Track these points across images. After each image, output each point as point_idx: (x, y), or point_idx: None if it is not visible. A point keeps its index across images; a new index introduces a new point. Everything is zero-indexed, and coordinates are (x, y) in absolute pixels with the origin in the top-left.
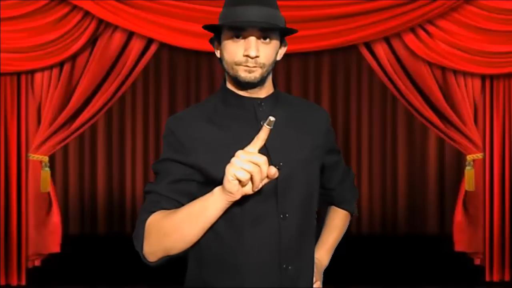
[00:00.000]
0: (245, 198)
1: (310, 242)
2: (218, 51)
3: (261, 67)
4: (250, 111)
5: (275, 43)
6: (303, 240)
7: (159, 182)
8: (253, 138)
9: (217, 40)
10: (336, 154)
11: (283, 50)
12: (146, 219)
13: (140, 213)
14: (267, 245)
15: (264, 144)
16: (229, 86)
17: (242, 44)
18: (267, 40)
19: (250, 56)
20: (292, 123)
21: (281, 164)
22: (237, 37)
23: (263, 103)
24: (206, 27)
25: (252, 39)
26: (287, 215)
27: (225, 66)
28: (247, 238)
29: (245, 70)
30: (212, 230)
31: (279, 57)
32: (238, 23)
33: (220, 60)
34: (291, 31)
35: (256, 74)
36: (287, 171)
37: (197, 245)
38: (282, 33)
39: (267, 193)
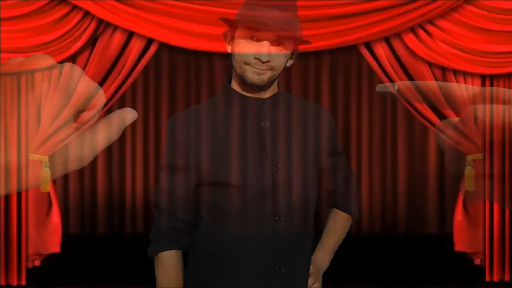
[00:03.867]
0: (241, 199)
1: (305, 244)
2: (230, 46)
3: (271, 70)
4: (252, 110)
5: (288, 50)
6: (297, 242)
7: (169, 199)
8: (252, 138)
9: (231, 34)
10: (338, 156)
11: (293, 59)
12: (162, 249)
13: (157, 227)
14: (260, 246)
15: (264, 145)
16: (234, 84)
17: (254, 46)
18: (280, 46)
19: (261, 60)
20: (293, 124)
21: (279, 165)
22: (251, 37)
23: (264, 104)
24: (224, 20)
25: (266, 43)
26: (282, 217)
27: (234, 63)
28: (241, 238)
29: (254, 72)
30: (207, 228)
31: (288, 65)
32: (255, 24)
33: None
34: (305, 42)
35: (264, 77)
36: (285, 173)
37: (194, 244)
38: (296, 42)
39: (264, 194)
